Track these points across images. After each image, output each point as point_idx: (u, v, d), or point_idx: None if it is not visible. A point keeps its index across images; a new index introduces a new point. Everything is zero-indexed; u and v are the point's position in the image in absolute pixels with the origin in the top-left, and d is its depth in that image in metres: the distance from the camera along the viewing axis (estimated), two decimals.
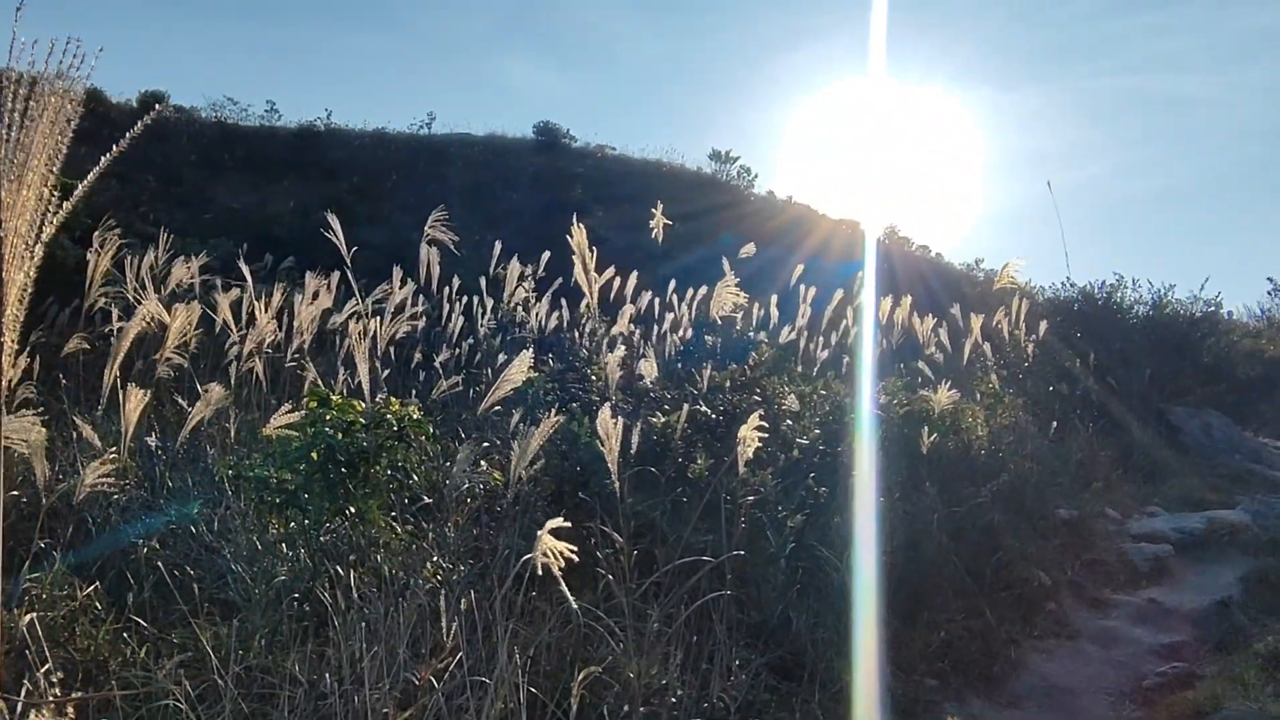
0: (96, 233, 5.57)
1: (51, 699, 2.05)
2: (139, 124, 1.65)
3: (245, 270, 6.12)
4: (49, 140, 1.51)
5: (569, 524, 2.59)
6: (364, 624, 3.18)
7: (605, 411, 3.47)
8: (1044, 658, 5.35)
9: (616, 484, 3.54)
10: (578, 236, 3.87)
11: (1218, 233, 54.41)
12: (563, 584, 2.57)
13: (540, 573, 2.56)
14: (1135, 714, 4.76)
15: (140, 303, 5.01)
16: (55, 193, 1.54)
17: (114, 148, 1.63)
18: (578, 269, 4.01)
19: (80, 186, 1.63)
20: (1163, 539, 7.44)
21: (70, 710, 1.97)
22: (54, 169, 1.52)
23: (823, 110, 39.04)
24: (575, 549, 2.52)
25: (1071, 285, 14.16)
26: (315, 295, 6.11)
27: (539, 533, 2.44)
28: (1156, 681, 4.98)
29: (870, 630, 4.42)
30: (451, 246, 5.01)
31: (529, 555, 2.54)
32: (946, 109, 37.12)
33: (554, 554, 2.40)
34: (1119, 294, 13.69)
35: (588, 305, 4.82)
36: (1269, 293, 17.75)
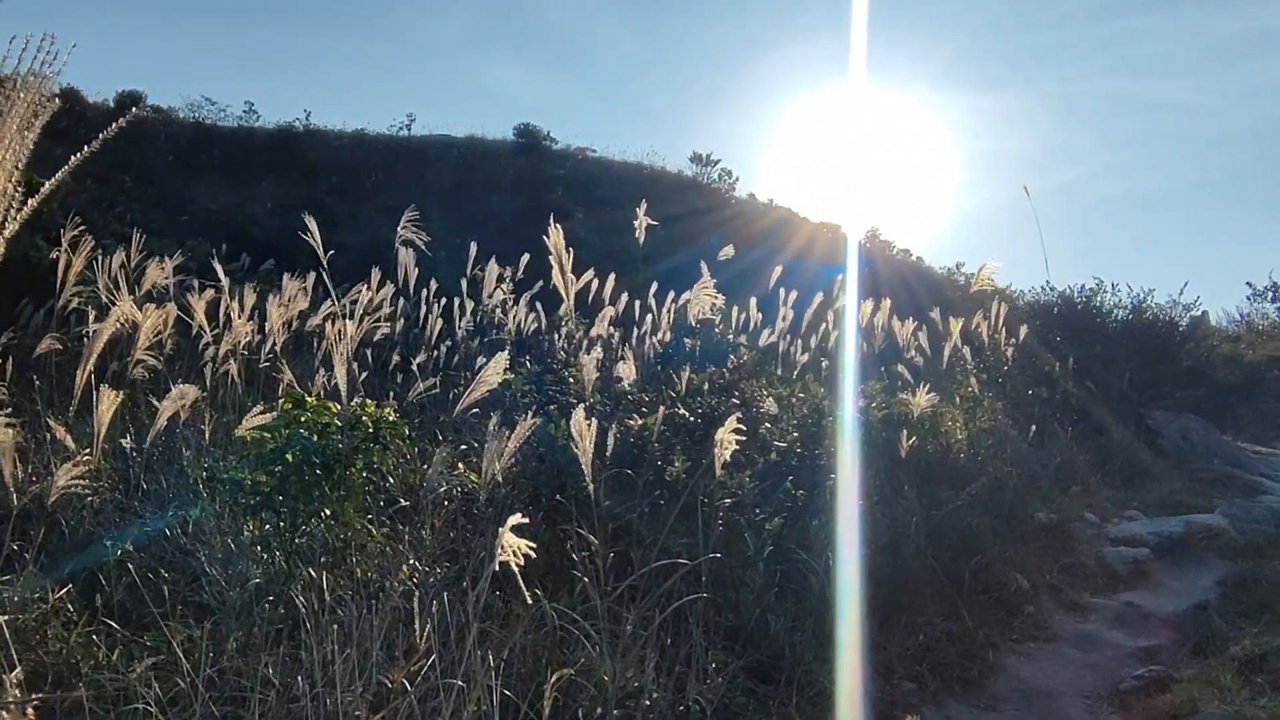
0: (68, 232, 5.52)
1: (11, 700, 2.03)
2: (115, 124, 1.63)
3: (220, 271, 6.07)
4: (17, 137, 1.49)
5: (545, 526, 2.58)
6: (337, 626, 3.16)
7: (579, 413, 3.45)
8: (1022, 661, 5.35)
9: (591, 486, 3.52)
10: (554, 238, 3.87)
11: (1197, 237, 54.90)
12: (523, 586, 2.55)
13: (508, 572, 2.54)
14: (1112, 717, 4.77)
15: (114, 303, 4.97)
16: (19, 189, 1.52)
17: (86, 147, 1.61)
18: (555, 271, 4.01)
19: (47, 184, 1.61)
20: (1141, 542, 7.47)
21: (29, 712, 1.95)
22: (19, 165, 1.50)
23: (804, 113, 39.12)
24: (546, 550, 2.51)
25: (1051, 289, 14.30)
26: (291, 297, 6.08)
27: (500, 530, 2.41)
28: (1134, 685, 4.99)
29: (848, 633, 4.42)
30: (425, 248, 5.00)
31: (503, 558, 2.52)
32: (927, 112, 37.31)
33: (515, 551, 2.37)
34: (1099, 298, 13.83)
35: (566, 307, 4.81)
36: (1248, 297, 17.92)
